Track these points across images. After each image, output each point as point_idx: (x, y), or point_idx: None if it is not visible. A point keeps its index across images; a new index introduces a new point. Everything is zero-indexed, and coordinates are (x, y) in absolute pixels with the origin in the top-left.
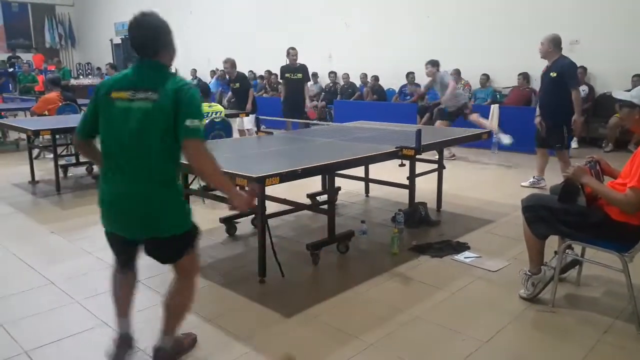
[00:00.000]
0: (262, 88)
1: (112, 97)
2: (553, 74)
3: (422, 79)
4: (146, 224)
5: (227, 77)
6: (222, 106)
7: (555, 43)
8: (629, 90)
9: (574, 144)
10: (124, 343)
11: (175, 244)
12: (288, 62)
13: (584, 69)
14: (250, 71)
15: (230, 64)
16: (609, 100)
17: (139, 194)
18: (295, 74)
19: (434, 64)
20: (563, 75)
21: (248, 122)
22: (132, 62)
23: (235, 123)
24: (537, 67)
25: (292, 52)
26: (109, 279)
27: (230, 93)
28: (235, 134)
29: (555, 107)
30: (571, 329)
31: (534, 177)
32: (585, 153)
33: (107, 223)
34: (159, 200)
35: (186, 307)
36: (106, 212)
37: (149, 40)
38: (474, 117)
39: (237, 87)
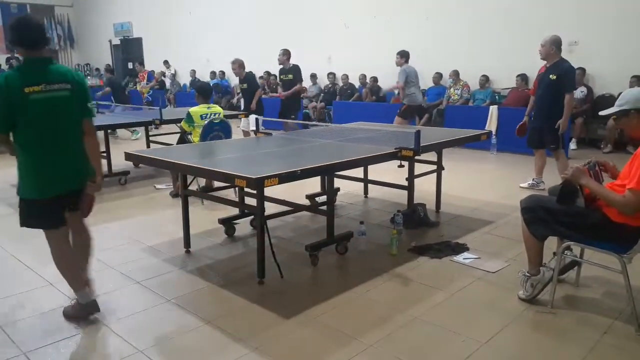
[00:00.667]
0: (261, 89)
1: (25, 92)
2: (553, 77)
3: (420, 80)
4: (79, 178)
5: (237, 78)
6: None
7: (556, 44)
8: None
9: (572, 145)
10: (94, 309)
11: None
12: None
13: (583, 70)
14: (250, 72)
15: (238, 64)
16: (608, 102)
17: (72, 159)
18: (287, 75)
19: (403, 54)
20: (562, 78)
21: (253, 123)
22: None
23: (240, 123)
24: (535, 68)
25: (279, 54)
26: (57, 252)
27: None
28: (239, 135)
29: (552, 109)
30: (570, 330)
31: (533, 179)
32: (584, 154)
33: (51, 189)
34: (82, 161)
35: (92, 241)
36: (50, 179)
37: (39, 36)
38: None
39: (245, 87)
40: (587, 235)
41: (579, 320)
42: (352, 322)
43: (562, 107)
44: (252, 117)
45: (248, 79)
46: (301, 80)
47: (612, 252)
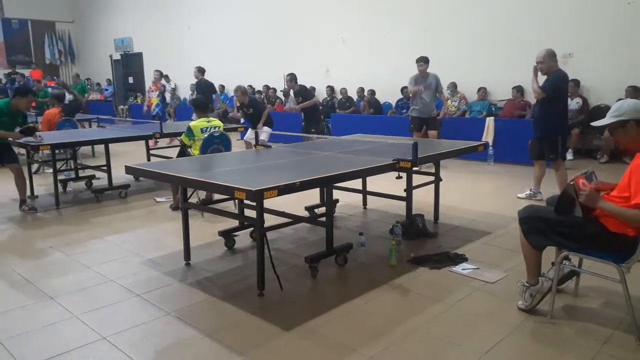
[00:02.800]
0: (267, 108)
1: None
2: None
3: None
4: None
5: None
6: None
7: (553, 57)
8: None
9: (569, 156)
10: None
11: None
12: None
13: (576, 81)
14: (250, 85)
15: (241, 91)
16: (603, 113)
17: None
18: (298, 98)
19: (427, 60)
20: (546, 82)
21: (264, 134)
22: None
23: (238, 136)
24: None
25: (286, 80)
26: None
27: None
28: (239, 148)
29: (547, 119)
30: (570, 340)
31: (530, 189)
32: (580, 164)
33: None
34: None
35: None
36: None
37: None
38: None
39: (251, 112)
40: (585, 245)
41: (578, 331)
42: (352, 334)
43: (558, 116)
44: (266, 129)
45: (252, 104)
46: (312, 97)
47: (611, 262)
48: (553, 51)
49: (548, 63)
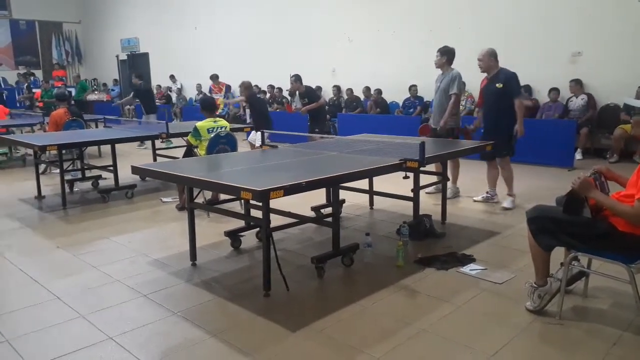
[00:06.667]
0: (264, 105)
1: None
2: (499, 85)
3: (424, 92)
4: None
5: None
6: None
7: (494, 56)
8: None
9: (578, 155)
10: None
11: None
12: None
13: (578, 81)
14: (256, 85)
15: (245, 86)
16: (612, 112)
17: None
18: (304, 99)
19: (446, 52)
20: (508, 85)
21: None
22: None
23: (244, 137)
24: (539, 79)
25: (290, 81)
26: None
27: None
28: (245, 148)
29: (502, 117)
30: (579, 341)
31: (486, 192)
32: (590, 164)
33: None
34: None
35: None
36: None
37: None
38: None
39: (251, 109)
40: (594, 246)
41: (587, 332)
42: (359, 335)
43: (511, 114)
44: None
45: (251, 100)
46: (318, 98)
47: (620, 262)
48: (494, 50)
49: (487, 62)
